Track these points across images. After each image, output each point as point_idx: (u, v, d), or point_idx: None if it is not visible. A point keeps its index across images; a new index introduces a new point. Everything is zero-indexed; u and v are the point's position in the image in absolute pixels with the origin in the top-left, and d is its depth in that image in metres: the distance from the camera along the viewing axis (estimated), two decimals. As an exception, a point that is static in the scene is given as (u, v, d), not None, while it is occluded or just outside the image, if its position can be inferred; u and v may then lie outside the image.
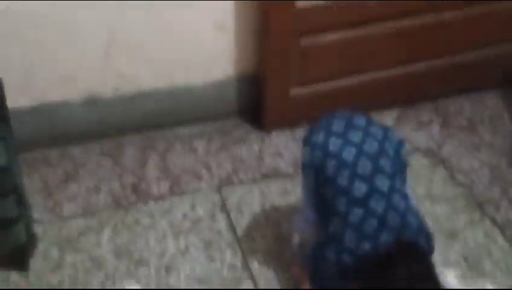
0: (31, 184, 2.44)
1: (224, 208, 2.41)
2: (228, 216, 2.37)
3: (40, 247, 2.20)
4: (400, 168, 1.77)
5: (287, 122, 2.79)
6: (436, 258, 1.82)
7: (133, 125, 2.71)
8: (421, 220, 1.71)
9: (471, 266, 2.22)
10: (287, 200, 2.45)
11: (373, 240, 1.57)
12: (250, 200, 2.45)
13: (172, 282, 2.11)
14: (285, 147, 2.73)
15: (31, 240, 2.15)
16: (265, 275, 2.14)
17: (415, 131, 2.85)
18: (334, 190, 1.66)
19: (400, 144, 1.80)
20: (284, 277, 2.14)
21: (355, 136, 1.70)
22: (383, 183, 1.63)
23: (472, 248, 2.29)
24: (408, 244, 1.58)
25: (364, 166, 1.64)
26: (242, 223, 2.34)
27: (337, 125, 1.73)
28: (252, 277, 2.14)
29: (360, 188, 1.62)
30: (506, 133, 2.84)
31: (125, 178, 2.52)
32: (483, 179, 2.63)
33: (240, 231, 2.31)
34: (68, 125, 2.61)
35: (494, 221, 2.42)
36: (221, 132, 2.79)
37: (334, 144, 1.69)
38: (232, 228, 2.32)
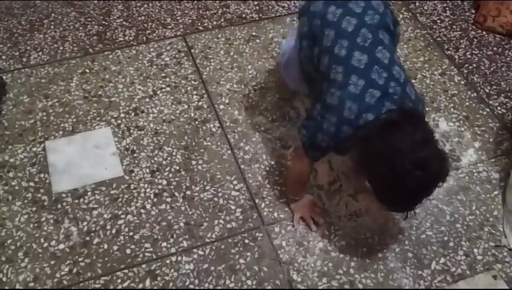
0: (-5, 34, 2.46)
1: (189, 54, 2.44)
2: (194, 62, 2.41)
3: (10, 94, 2.25)
4: (396, 41, 1.78)
5: (253, -31, 2.75)
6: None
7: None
8: (416, 90, 1.71)
9: (427, 102, 2.31)
10: (251, 45, 2.49)
11: (376, 110, 1.54)
12: (216, 46, 2.48)
13: (141, 123, 2.19)
14: (250, -7, 2.72)
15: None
16: (230, 116, 2.23)
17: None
18: (329, 59, 1.63)
19: (396, 22, 1.79)
20: (246, 116, 2.23)
21: (357, 7, 1.66)
22: (383, 55, 1.60)
23: (429, 85, 2.38)
24: (410, 110, 1.58)
25: (364, 37, 1.61)
26: (207, 68, 2.39)
27: None
28: (218, 117, 2.23)
29: (360, 59, 1.59)
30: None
31: (90, 27, 2.52)
32: (445, 20, 2.67)
33: (205, 76, 2.36)
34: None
35: (452, 60, 2.49)
36: (185, -20, 2.75)
37: (333, 13, 1.66)
38: (198, 73, 2.37)
